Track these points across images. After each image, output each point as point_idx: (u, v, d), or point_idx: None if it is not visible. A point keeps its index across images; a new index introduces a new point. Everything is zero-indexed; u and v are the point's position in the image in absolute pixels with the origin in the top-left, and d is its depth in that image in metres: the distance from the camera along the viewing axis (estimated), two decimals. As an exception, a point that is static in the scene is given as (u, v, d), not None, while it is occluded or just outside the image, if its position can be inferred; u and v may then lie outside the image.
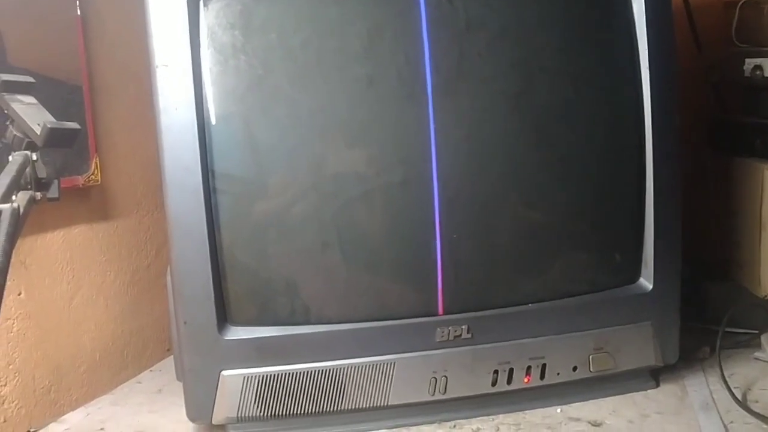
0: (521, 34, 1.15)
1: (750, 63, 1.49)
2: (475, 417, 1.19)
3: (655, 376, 1.28)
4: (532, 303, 1.17)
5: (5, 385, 1.17)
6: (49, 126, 0.94)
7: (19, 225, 0.88)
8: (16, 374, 1.19)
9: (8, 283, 0.85)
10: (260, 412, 1.12)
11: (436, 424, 1.18)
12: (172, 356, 1.24)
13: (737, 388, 1.23)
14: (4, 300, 0.83)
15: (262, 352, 1.11)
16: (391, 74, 1.10)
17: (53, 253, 1.26)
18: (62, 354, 1.28)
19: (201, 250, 1.07)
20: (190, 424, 1.17)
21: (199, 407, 1.12)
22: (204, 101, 1.06)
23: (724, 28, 1.59)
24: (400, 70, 1.10)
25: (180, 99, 1.05)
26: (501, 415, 1.20)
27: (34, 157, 0.96)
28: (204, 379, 1.10)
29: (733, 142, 1.58)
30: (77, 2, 1.28)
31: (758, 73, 1.48)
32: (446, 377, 1.15)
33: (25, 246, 1.19)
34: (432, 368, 1.15)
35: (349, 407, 1.14)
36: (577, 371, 1.19)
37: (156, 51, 1.04)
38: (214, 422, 1.13)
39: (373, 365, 1.13)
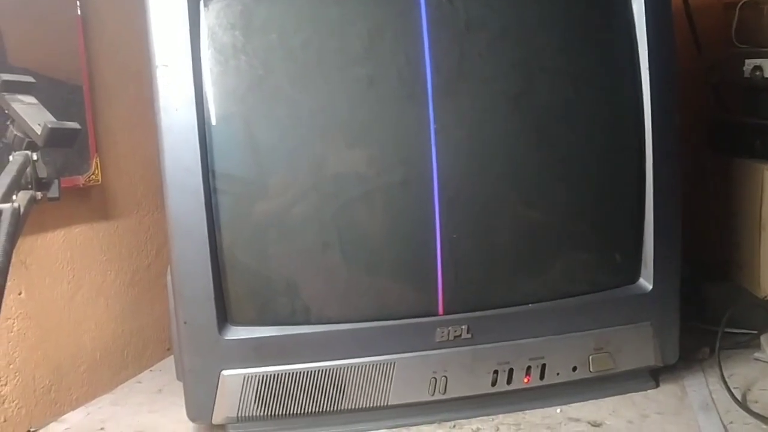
0: (521, 34, 1.15)
1: (750, 64, 1.50)
2: (475, 417, 1.19)
3: (654, 376, 1.28)
4: (532, 303, 1.17)
5: (5, 385, 1.17)
6: (49, 126, 0.94)
7: (19, 225, 0.88)
8: (17, 374, 1.19)
9: (9, 282, 0.85)
10: (260, 411, 1.12)
11: (436, 424, 1.18)
12: (172, 356, 1.24)
13: (737, 388, 1.23)
14: (4, 300, 0.83)
15: (262, 352, 1.11)
16: (392, 74, 1.10)
17: (54, 253, 1.27)
18: (62, 354, 1.28)
19: (201, 250, 1.07)
20: (191, 424, 1.17)
21: (199, 407, 1.13)
22: (204, 101, 1.06)
23: (724, 28, 1.59)
24: (401, 71, 1.10)
25: (180, 99, 1.05)
26: (501, 415, 1.20)
27: (35, 157, 0.96)
28: (204, 379, 1.11)
29: (733, 142, 1.58)
30: (77, 2, 1.28)
31: (758, 73, 1.48)
32: (446, 377, 1.15)
33: (25, 246, 1.19)
34: (432, 368, 1.15)
35: (349, 407, 1.14)
36: (576, 371, 1.19)
37: (156, 51, 1.04)
38: (214, 422, 1.13)
39: (373, 365, 1.13)
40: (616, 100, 1.20)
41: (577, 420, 1.18)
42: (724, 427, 1.12)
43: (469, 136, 1.13)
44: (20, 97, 0.99)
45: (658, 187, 1.18)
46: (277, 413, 1.12)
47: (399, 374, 1.14)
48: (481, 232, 1.16)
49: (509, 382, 1.17)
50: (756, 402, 1.20)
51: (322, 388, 1.12)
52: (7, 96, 0.98)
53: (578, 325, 1.19)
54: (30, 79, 1.02)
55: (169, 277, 1.12)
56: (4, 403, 1.17)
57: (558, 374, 1.19)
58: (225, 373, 1.10)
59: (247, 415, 1.12)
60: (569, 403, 1.22)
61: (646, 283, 1.21)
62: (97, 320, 1.36)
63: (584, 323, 1.19)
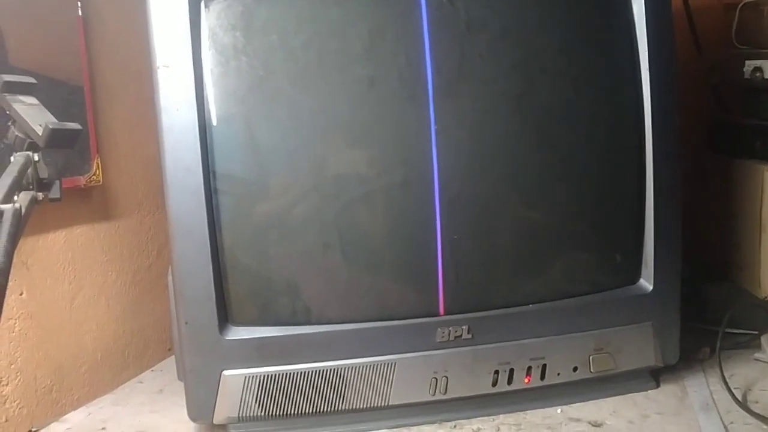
0: (522, 35, 1.15)
1: (750, 65, 1.50)
2: (476, 417, 1.19)
3: (655, 376, 1.28)
4: (532, 303, 1.17)
5: (7, 385, 1.17)
6: (50, 127, 0.94)
7: (20, 225, 0.88)
8: (18, 374, 1.19)
9: (10, 283, 0.85)
10: (261, 412, 1.12)
11: (436, 425, 1.18)
12: (173, 356, 1.25)
13: (737, 388, 1.23)
14: (6, 300, 0.83)
15: (263, 352, 1.11)
16: (393, 75, 1.10)
17: (55, 254, 1.27)
18: (64, 354, 1.28)
19: (202, 250, 1.07)
20: (192, 424, 1.17)
21: (200, 407, 1.13)
22: (205, 102, 1.07)
23: (724, 29, 1.59)
24: (402, 72, 1.10)
25: (181, 100, 1.05)
26: (501, 416, 1.20)
27: (36, 158, 0.96)
28: (205, 379, 1.11)
29: (733, 143, 1.58)
30: (78, 3, 1.29)
31: (758, 74, 1.48)
32: (447, 377, 1.15)
33: (27, 246, 1.19)
34: (433, 368, 1.15)
35: (350, 407, 1.14)
36: (577, 372, 1.19)
37: (157, 52, 1.04)
38: (215, 422, 1.13)
39: (373, 365, 1.13)
40: (617, 100, 1.20)
41: (578, 420, 1.18)
42: (725, 427, 1.12)
43: (469, 137, 1.13)
44: (21, 97, 0.99)
45: (659, 188, 1.18)
46: (277, 413, 1.12)
47: (400, 374, 1.14)
48: (482, 232, 1.16)
49: (510, 382, 1.17)
50: (756, 402, 1.20)
51: (323, 388, 1.12)
52: (9, 97, 0.98)
53: (579, 326, 1.19)
54: (31, 79, 1.02)
55: (170, 278, 1.12)
56: (5, 403, 1.17)
57: (559, 374, 1.19)
58: (226, 373, 1.10)
59: (248, 415, 1.12)
60: (570, 403, 1.22)
61: (646, 283, 1.21)
62: (98, 320, 1.36)
63: (585, 323, 1.19)
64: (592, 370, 1.20)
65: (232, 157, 1.10)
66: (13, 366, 1.18)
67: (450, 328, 1.14)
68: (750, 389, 1.25)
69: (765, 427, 1.11)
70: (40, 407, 1.23)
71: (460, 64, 1.11)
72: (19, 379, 1.19)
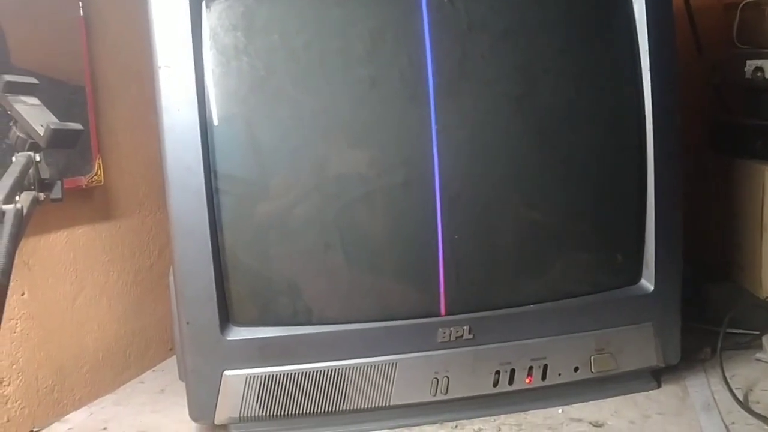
0: (523, 35, 1.15)
1: (751, 65, 1.49)
2: (477, 417, 1.19)
3: (656, 376, 1.28)
4: (533, 304, 1.17)
5: (9, 385, 1.17)
6: (52, 127, 0.95)
7: (22, 226, 0.88)
8: (20, 374, 1.19)
9: (12, 283, 0.85)
10: (262, 412, 1.12)
11: (437, 425, 1.18)
12: (174, 356, 1.25)
13: (738, 389, 1.23)
14: (7, 300, 0.83)
15: (264, 352, 1.11)
16: (394, 76, 1.10)
17: (56, 254, 1.27)
18: (65, 354, 1.28)
19: (203, 250, 1.07)
20: (193, 424, 1.17)
21: (201, 407, 1.13)
22: (206, 102, 1.07)
23: (725, 29, 1.59)
24: (403, 72, 1.10)
25: (182, 100, 1.05)
26: (502, 416, 1.20)
27: (38, 158, 0.97)
28: (206, 379, 1.11)
29: (734, 143, 1.58)
30: (80, 3, 1.29)
31: (759, 74, 1.48)
32: (448, 378, 1.15)
33: (28, 246, 1.20)
34: (434, 369, 1.15)
35: (351, 407, 1.14)
36: (578, 372, 1.19)
37: (158, 52, 1.04)
38: (216, 422, 1.13)
39: (375, 366, 1.13)
40: (618, 101, 1.20)
41: (579, 420, 1.18)
42: (726, 427, 1.12)
43: (470, 137, 1.13)
44: (23, 98, 0.99)
45: (660, 188, 1.18)
46: (279, 413, 1.12)
47: (401, 375, 1.14)
48: (483, 232, 1.16)
49: (511, 382, 1.17)
50: (758, 402, 1.20)
51: (324, 388, 1.12)
52: (10, 97, 0.98)
53: (580, 326, 1.19)
54: (33, 80, 1.02)
55: (171, 278, 1.12)
56: (7, 403, 1.17)
57: (560, 375, 1.19)
58: (227, 373, 1.10)
59: (249, 415, 1.12)
60: (571, 403, 1.22)
61: (647, 283, 1.21)
62: (99, 321, 1.36)
63: (586, 324, 1.19)
64: (593, 370, 1.20)
65: (233, 157, 1.10)
66: (14, 366, 1.18)
67: (451, 329, 1.14)
68: (751, 389, 1.25)
69: (766, 427, 1.11)
70: (41, 407, 1.23)
71: (461, 64, 1.11)
72: (21, 380, 1.19)
